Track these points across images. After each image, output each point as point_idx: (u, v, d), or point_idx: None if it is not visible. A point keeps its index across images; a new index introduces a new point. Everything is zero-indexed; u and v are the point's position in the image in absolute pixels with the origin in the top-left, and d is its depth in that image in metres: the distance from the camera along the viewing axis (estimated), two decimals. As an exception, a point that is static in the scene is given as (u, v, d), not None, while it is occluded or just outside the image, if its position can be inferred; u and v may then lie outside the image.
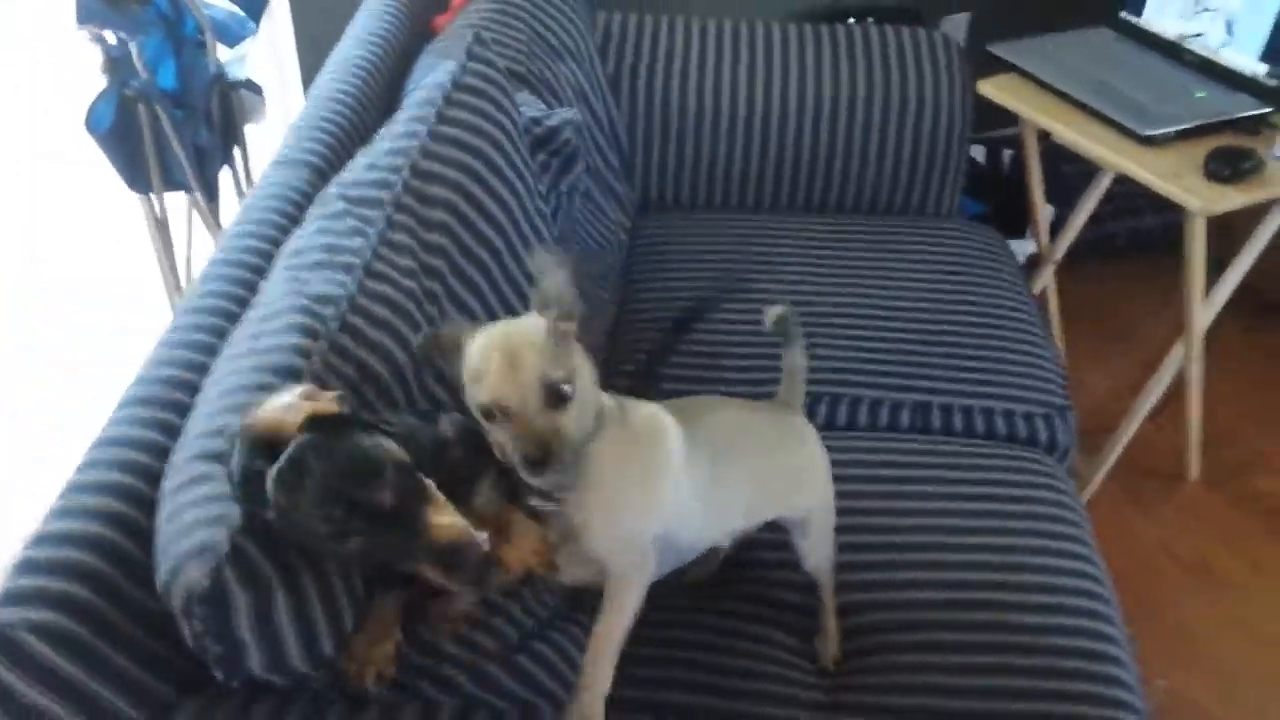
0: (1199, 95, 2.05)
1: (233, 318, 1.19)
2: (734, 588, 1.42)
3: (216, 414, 1.01)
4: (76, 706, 0.87)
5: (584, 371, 0.98)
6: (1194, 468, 2.35)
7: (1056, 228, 2.56)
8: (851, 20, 2.46)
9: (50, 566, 0.92)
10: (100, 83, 2.05)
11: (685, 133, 2.20)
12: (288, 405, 0.89)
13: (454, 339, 0.99)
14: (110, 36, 2.00)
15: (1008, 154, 2.87)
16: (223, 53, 2.12)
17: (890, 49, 2.21)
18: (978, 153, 2.87)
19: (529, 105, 1.61)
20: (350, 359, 1.08)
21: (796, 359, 1.33)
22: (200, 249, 2.29)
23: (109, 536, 0.96)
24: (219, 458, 0.95)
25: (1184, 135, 1.95)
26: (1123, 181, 2.05)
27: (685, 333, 1.82)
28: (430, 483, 0.90)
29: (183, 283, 2.33)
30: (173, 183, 2.18)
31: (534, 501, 1.00)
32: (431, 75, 1.43)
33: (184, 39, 2.05)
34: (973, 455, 1.63)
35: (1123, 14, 2.26)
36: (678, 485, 1.08)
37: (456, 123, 1.36)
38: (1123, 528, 2.24)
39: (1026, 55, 2.21)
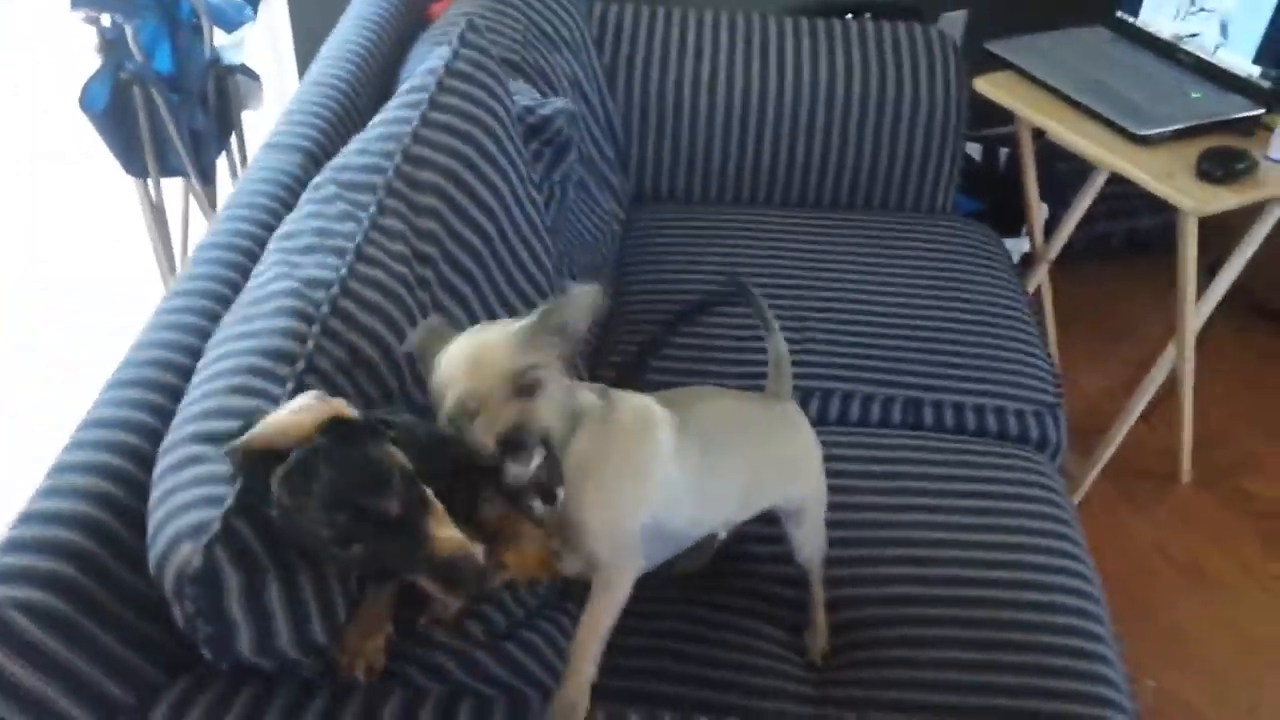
0: (1194, 96, 2.05)
1: (223, 301, 1.18)
2: (724, 580, 1.42)
3: (210, 396, 1.00)
4: (63, 685, 0.87)
5: (555, 370, 0.97)
6: (1186, 468, 2.36)
7: (1051, 226, 2.56)
8: (849, 15, 2.46)
9: (38, 545, 0.91)
10: (95, 62, 2.05)
11: (680, 125, 2.20)
12: (303, 407, 0.89)
13: (429, 348, 0.99)
14: (106, 19, 2.00)
15: (1004, 152, 2.88)
16: (220, 37, 2.12)
17: (886, 44, 2.21)
18: (973, 150, 2.88)
19: (523, 94, 1.61)
20: (342, 343, 1.08)
21: (780, 347, 1.33)
22: (196, 235, 2.29)
23: (96, 516, 0.95)
24: (213, 439, 0.95)
25: (1178, 135, 1.95)
26: (1118, 182, 2.05)
27: (679, 329, 1.82)
28: (429, 492, 0.90)
29: (178, 268, 2.32)
30: (168, 168, 2.18)
31: (534, 505, 0.99)
32: (424, 62, 1.43)
33: (180, 22, 2.04)
34: (963, 452, 1.63)
35: (1119, 13, 2.26)
36: (668, 475, 1.08)
37: (449, 109, 1.35)
38: (1116, 528, 2.25)
39: (1022, 53, 2.22)
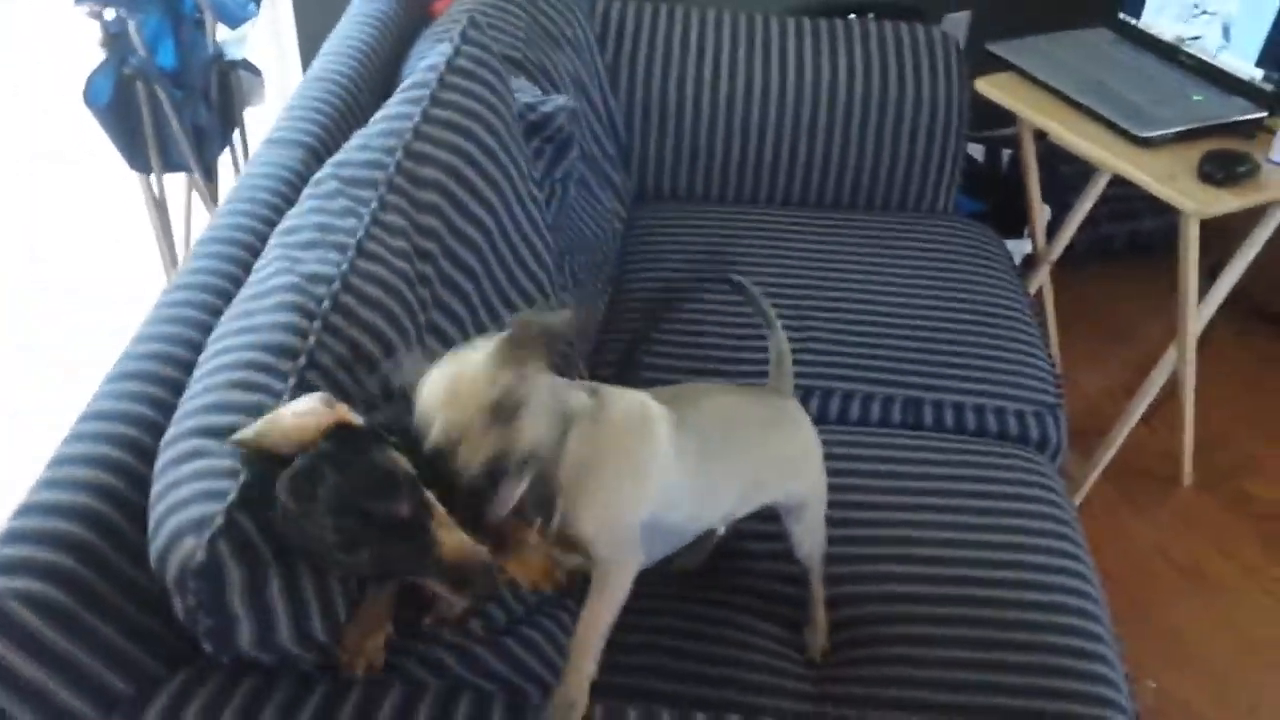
0: (1195, 98, 2.05)
1: (224, 295, 1.19)
2: (723, 578, 1.42)
3: (211, 390, 1.01)
4: (63, 676, 0.87)
5: (540, 380, 0.95)
6: (1187, 471, 2.36)
7: (1054, 228, 2.56)
8: (851, 15, 2.46)
9: (38, 536, 0.91)
10: (98, 57, 2.05)
11: (682, 124, 2.20)
12: (308, 410, 0.89)
13: (413, 380, 0.97)
14: (109, 13, 2.00)
15: (1006, 153, 2.88)
16: (223, 33, 2.12)
17: (889, 44, 2.21)
18: (976, 151, 2.88)
19: (524, 91, 1.61)
20: (343, 338, 1.08)
21: (781, 343, 1.33)
22: (198, 231, 2.29)
23: (97, 508, 0.95)
24: (215, 433, 0.95)
25: (1179, 138, 1.95)
26: (1121, 184, 2.05)
27: (662, 318, 1.82)
28: (432, 496, 0.90)
29: (180, 264, 2.33)
30: (171, 164, 2.18)
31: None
32: (426, 59, 1.43)
33: (183, 17, 2.05)
34: (963, 451, 1.63)
35: (1121, 15, 2.26)
36: (666, 472, 1.08)
37: (450, 105, 1.35)
38: (1117, 530, 2.25)
39: (1025, 54, 2.22)
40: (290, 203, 1.28)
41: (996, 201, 2.79)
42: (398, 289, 1.16)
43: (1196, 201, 1.84)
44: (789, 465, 1.28)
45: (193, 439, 0.96)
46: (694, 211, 2.18)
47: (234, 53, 2.15)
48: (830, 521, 1.37)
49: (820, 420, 1.69)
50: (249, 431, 0.91)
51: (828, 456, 1.36)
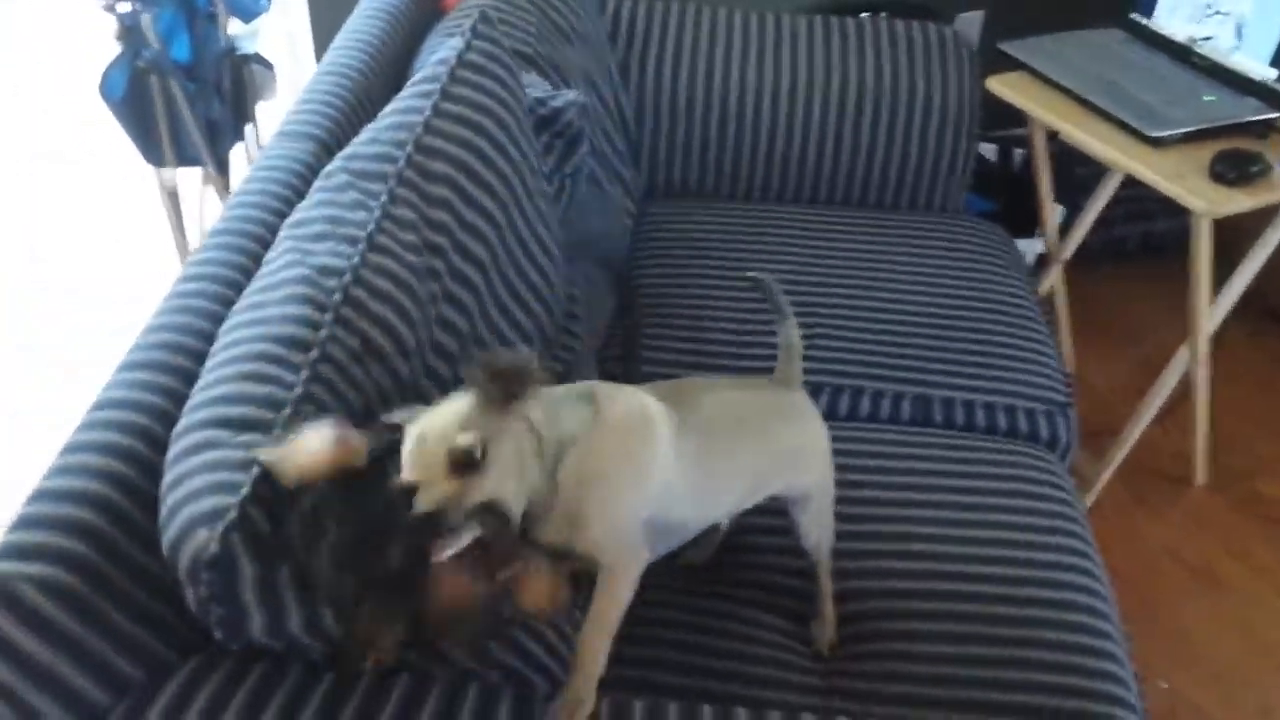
0: (1207, 98, 2.05)
1: (235, 286, 1.19)
2: (729, 571, 1.43)
3: (223, 381, 1.01)
4: (75, 661, 0.88)
5: (514, 429, 0.94)
6: (1200, 472, 2.35)
7: (1067, 228, 2.56)
8: (862, 14, 2.46)
9: (50, 522, 0.92)
10: (110, 51, 2.06)
11: (693, 120, 2.21)
12: (318, 449, 0.90)
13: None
14: (124, 5, 2.01)
15: (1019, 153, 2.87)
16: (236, 26, 2.14)
17: (899, 43, 2.21)
18: (988, 151, 2.87)
19: (535, 86, 1.62)
20: (354, 331, 1.08)
21: (791, 335, 1.32)
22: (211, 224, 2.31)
23: (108, 495, 0.96)
24: (227, 424, 0.96)
25: (1191, 137, 1.95)
26: (1135, 185, 2.05)
27: (644, 311, 1.83)
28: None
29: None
30: (186, 158, 2.20)
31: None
32: (437, 53, 1.43)
33: (197, 11, 2.06)
34: (972, 449, 1.63)
35: (1133, 15, 2.26)
36: (667, 474, 1.07)
37: (460, 100, 1.36)
38: (1128, 530, 2.25)
39: (1036, 54, 2.22)
40: (301, 195, 1.29)
41: (1008, 201, 2.79)
42: (408, 282, 1.17)
43: (1207, 201, 1.84)
44: (793, 458, 1.28)
45: (205, 430, 0.97)
46: (703, 208, 2.18)
47: (247, 46, 2.16)
48: (839, 516, 1.36)
49: (830, 416, 1.68)
50: (266, 455, 0.92)
51: (837, 452, 1.36)
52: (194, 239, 2.36)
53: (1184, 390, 2.21)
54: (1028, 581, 1.42)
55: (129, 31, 2.03)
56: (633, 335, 1.78)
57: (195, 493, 0.91)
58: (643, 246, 2.05)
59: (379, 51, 1.74)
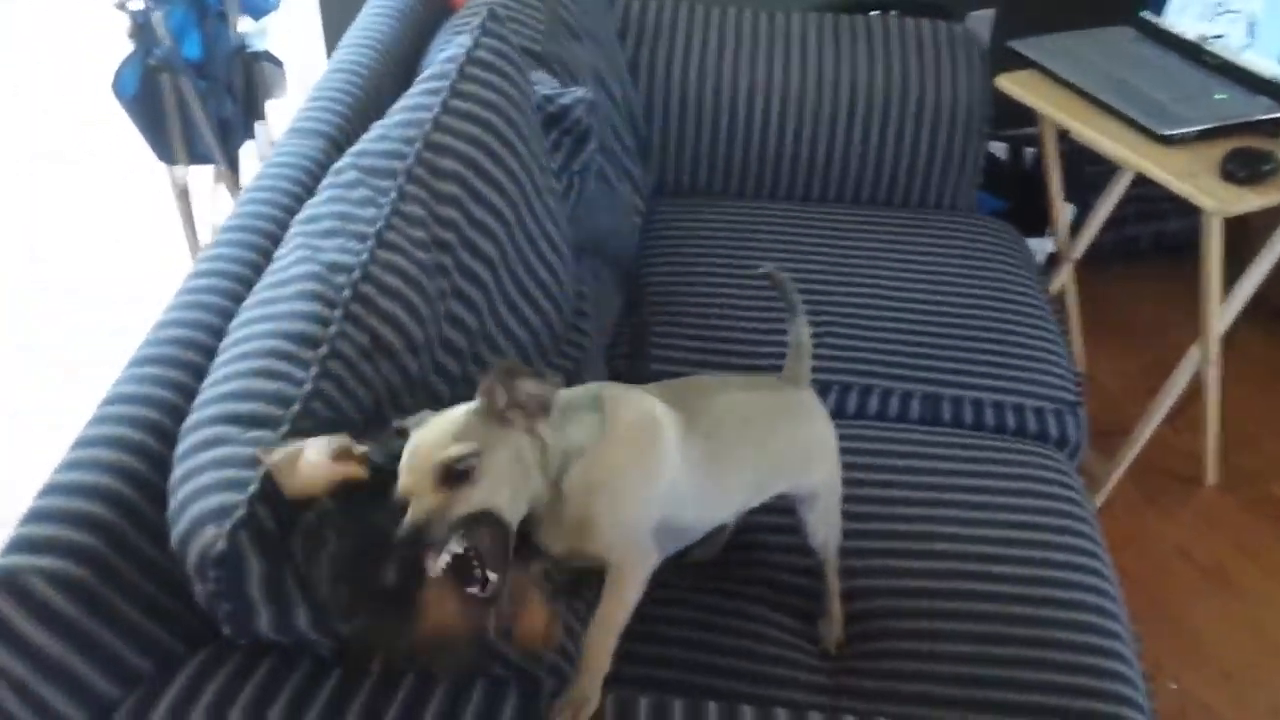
0: (1219, 97, 2.04)
1: (245, 282, 1.20)
2: (736, 569, 1.43)
3: (232, 378, 1.02)
4: (84, 653, 0.88)
5: (512, 442, 0.94)
6: (1211, 472, 2.34)
7: (1078, 227, 2.55)
8: (873, 12, 2.46)
9: (61, 515, 0.93)
10: (122, 48, 2.07)
11: (703, 118, 2.21)
12: (319, 461, 0.90)
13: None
14: (136, 3, 2.02)
15: (1030, 151, 2.86)
16: (246, 24, 2.14)
17: (910, 41, 2.21)
18: (999, 149, 2.86)
19: (543, 84, 1.62)
20: (363, 327, 1.09)
21: (801, 332, 1.32)
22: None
23: (119, 489, 0.97)
24: (236, 420, 0.97)
25: (1202, 136, 1.94)
26: (1147, 185, 2.03)
27: (652, 308, 1.83)
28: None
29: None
30: (197, 155, 2.21)
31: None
32: (446, 50, 1.44)
33: (208, 9, 2.07)
34: (981, 448, 1.63)
35: (1144, 14, 2.25)
36: (674, 477, 1.07)
37: (469, 96, 1.36)
38: (1139, 530, 2.24)
39: (1047, 52, 2.21)
40: (311, 192, 1.29)
41: (1019, 199, 2.78)
42: (417, 279, 1.17)
43: (1218, 199, 1.83)
44: (800, 457, 1.28)
45: (215, 426, 0.97)
46: (712, 206, 2.18)
47: (257, 44, 2.17)
48: (847, 515, 1.37)
49: (839, 414, 1.70)
50: (271, 456, 0.92)
51: (845, 451, 1.36)
52: (205, 236, 2.36)
53: (1195, 390, 2.21)
54: (1035, 581, 1.41)
55: (141, 29, 2.04)
56: (641, 333, 1.79)
57: (204, 489, 0.91)
58: (652, 244, 2.05)
59: (388, 49, 1.74)
